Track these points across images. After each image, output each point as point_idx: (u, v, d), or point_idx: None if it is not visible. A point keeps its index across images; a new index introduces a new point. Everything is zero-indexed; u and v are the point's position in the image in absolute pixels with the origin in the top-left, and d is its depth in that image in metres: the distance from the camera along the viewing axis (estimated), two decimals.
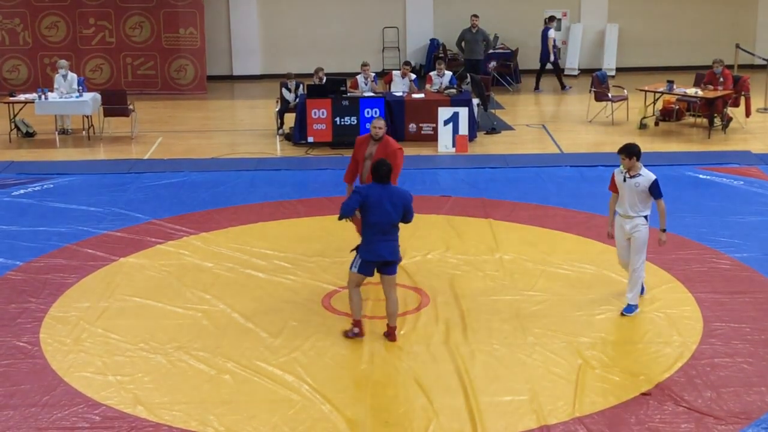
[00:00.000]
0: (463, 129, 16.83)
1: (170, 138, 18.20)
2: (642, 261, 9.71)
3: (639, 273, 9.72)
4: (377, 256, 9.06)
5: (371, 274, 9.21)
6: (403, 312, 9.92)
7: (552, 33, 22.20)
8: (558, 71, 22.61)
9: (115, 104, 17.98)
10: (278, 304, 10.21)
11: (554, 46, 22.28)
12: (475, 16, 21.02)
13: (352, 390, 8.34)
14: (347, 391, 8.32)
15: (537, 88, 22.43)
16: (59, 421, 7.86)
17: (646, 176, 9.58)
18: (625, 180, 9.64)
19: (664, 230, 9.77)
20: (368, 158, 10.43)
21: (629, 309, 9.75)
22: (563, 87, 22.23)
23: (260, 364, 8.82)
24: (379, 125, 10.50)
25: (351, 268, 9.23)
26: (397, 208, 8.98)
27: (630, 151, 9.56)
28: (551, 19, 22.59)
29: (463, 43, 21.27)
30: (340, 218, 9.17)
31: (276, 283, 10.76)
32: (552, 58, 22.26)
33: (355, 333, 9.32)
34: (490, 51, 22.23)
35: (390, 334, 9.31)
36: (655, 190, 9.57)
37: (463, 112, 16.84)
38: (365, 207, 8.93)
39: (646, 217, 9.67)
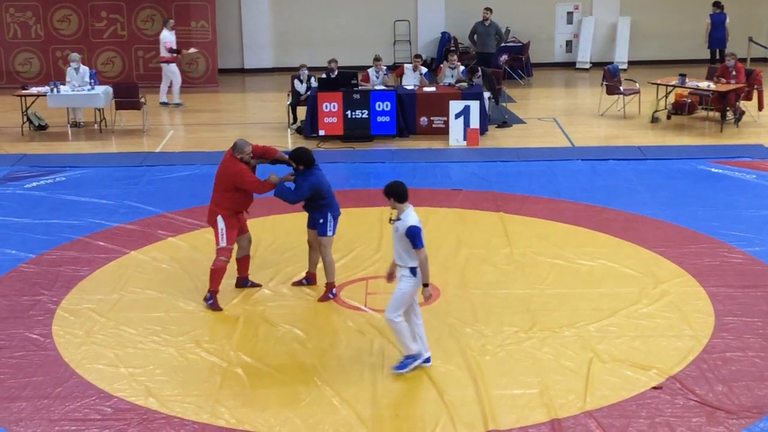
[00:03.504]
0: (475, 122, 16.81)
1: (182, 131, 18.25)
2: (396, 316, 8.30)
3: (396, 328, 8.33)
4: (339, 210, 10.24)
5: None
6: None
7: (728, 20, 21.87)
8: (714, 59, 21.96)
9: (126, 97, 18.02)
10: (288, 297, 10.23)
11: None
12: (488, 9, 20.95)
13: (362, 383, 8.35)
14: (357, 384, 8.32)
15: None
16: (71, 413, 7.89)
17: (404, 222, 8.19)
18: (390, 222, 8.44)
19: (425, 285, 8.27)
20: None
21: (402, 365, 8.46)
22: None
23: (271, 357, 8.84)
24: (249, 150, 9.95)
25: (328, 233, 10.06)
26: None
27: (388, 191, 8.32)
28: (716, 5, 22.07)
29: (475, 36, 21.23)
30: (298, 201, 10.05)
31: (286, 275, 10.78)
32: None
33: (334, 294, 10.17)
34: (502, 44, 22.17)
35: (311, 280, 10.57)
36: (411, 239, 8.13)
37: (475, 106, 16.82)
38: (322, 186, 9.92)
39: (412, 269, 8.25)
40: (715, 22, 21.88)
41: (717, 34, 21.86)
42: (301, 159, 9.84)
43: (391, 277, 8.69)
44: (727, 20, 21.78)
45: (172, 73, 20.13)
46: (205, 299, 10.08)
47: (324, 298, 10.13)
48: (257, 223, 12.00)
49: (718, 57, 21.64)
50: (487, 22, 20.88)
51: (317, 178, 9.87)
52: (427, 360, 8.55)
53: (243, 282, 10.49)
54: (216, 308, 9.95)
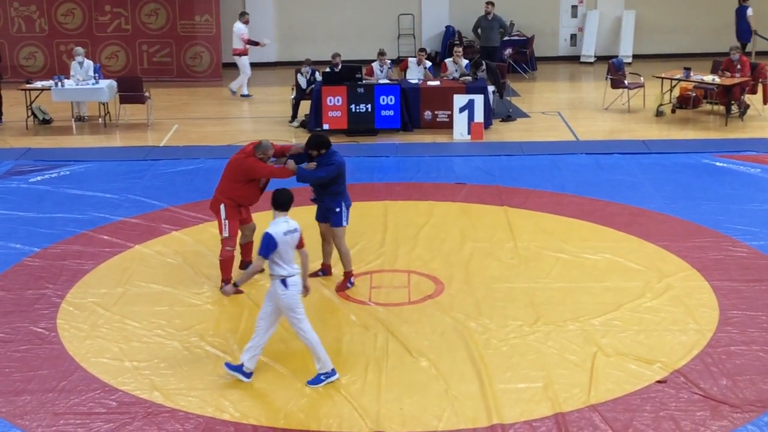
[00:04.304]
0: (479, 116, 16.79)
1: (186, 125, 18.24)
2: (304, 332, 8.22)
3: (308, 342, 8.27)
4: (350, 200, 10.28)
5: None
6: (418, 299, 9.95)
7: (750, 11, 21.87)
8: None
9: (130, 91, 18.03)
10: None
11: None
12: (490, 3, 20.89)
13: (366, 377, 8.36)
14: (362, 379, 8.33)
15: None
16: (76, 407, 7.91)
17: (268, 228, 8.17)
18: None
19: (235, 283, 8.45)
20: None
21: (315, 380, 8.26)
22: None
23: (275, 351, 8.83)
24: (271, 153, 10.05)
25: (343, 223, 10.10)
26: None
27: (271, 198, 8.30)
28: None
29: (479, 30, 21.19)
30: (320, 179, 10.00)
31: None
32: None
33: (353, 283, 10.26)
34: (506, 38, 22.12)
35: (327, 271, 10.60)
36: (261, 242, 8.08)
37: (479, 100, 16.80)
38: (343, 168, 10.00)
39: (283, 281, 8.06)
40: (738, 15, 21.94)
41: (740, 27, 21.91)
42: (319, 143, 9.90)
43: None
44: (749, 12, 21.76)
45: (243, 65, 20.37)
46: (221, 289, 10.20)
47: (342, 287, 10.19)
48: (260, 218, 11.98)
49: (743, 50, 21.71)
50: (490, 16, 20.83)
51: (342, 158, 10.00)
52: (249, 375, 8.29)
53: (246, 266, 10.56)
54: (237, 292, 10.05)
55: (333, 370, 8.28)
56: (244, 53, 20.28)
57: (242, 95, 20.67)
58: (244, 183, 10.00)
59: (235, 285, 8.50)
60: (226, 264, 10.20)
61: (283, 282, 8.07)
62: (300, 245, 8.33)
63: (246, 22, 20.41)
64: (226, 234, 10.12)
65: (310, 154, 9.94)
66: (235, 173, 10.02)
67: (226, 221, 10.08)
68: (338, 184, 10.04)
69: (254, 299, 10.02)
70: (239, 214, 10.20)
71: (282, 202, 8.23)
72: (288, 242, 8.10)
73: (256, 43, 20.48)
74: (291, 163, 9.93)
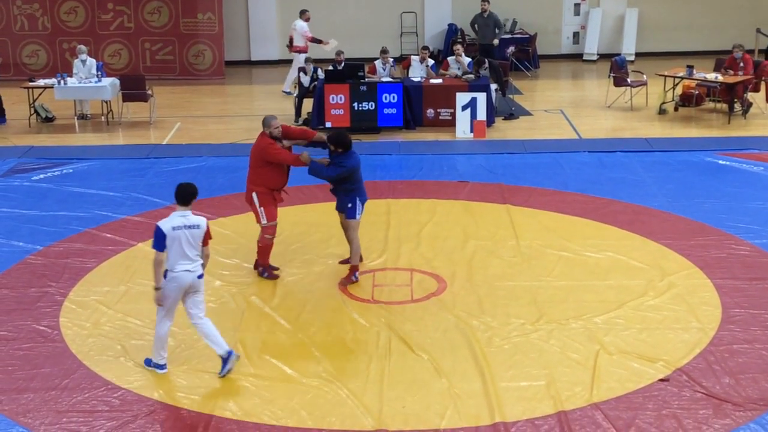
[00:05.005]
0: (481, 114, 16.79)
1: (188, 123, 18.25)
2: (158, 318, 8.40)
3: (157, 333, 8.41)
4: (367, 195, 10.44)
5: None
6: (421, 297, 9.95)
7: None
8: None
9: (133, 89, 18.04)
10: (295, 289, 10.25)
11: None
12: (486, 0, 20.80)
13: (368, 375, 8.36)
14: (364, 377, 8.34)
15: None
16: (79, 405, 7.92)
17: None
18: None
19: (156, 288, 8.15)
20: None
21: (147, 361, 8.56)
22: None
23: (277, 349, 8.85)
24: (277, 125, 10.15)
25: (357, 216, 10.23)
26: None
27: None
28: None
29: (476, 26, 21.17)
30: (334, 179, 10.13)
31: (293, 268, 10.79)
32: None
33: (357, 278, 10.32)
34: (509, 36, 22.06)
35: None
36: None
37: (482, 98, 16.80)
38: (357, 170, 10.12)
39: (165, 273, 8.11)
40: None
41: None
42: (339, 142, 10.03)
43: None
44: None
45: (298, 62, 20.06)
46: (259, 273, 10.48)
47: (347, 281, 10.26)
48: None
49: None
50: (486, 14, 20.80)
51: (356, 161, 10.11)
52: (229, 357, 8.32)
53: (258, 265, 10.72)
54: (272, 277, 10.37)
55: (164, 365, 8.40)
56: (303, 50, 19.89)
57: (283, 91, 20.44)
58: (266, 165, 10.11)
59: (157, 289, 8.15)
60: (263, 251, 10.36)
61: (164, 274, 8.10)
62: (204, 243, 8.25)
63: (307, 20, 20.10)
64: (264, 221, 10.25)
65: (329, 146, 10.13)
66: (256, 157, 10.18)
67: (261, 208, 10.23)
68: (351, 183, 10.16)
69: (257, 296, 10.03)
70: (274, 200, 10.31)
71: (181, 195, 8.16)
72: (179, 237, 8.04)
73: (319, 41, 20.09)
74: (305, 156, 10.05)
